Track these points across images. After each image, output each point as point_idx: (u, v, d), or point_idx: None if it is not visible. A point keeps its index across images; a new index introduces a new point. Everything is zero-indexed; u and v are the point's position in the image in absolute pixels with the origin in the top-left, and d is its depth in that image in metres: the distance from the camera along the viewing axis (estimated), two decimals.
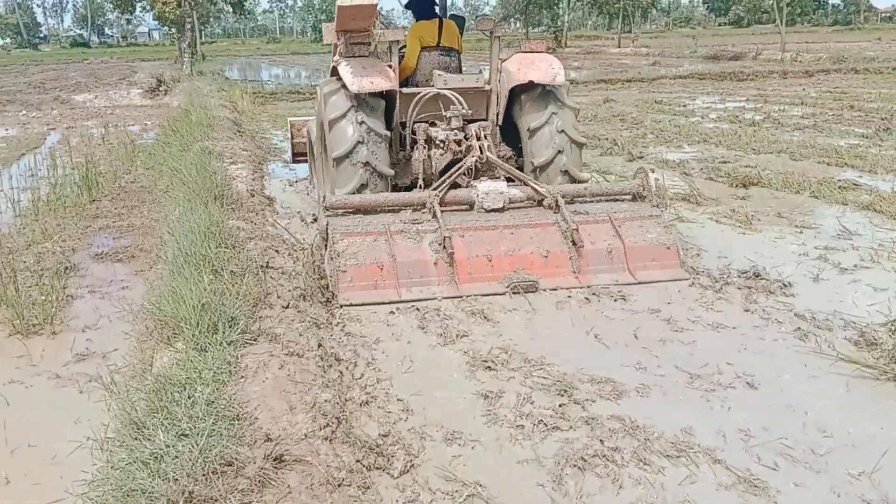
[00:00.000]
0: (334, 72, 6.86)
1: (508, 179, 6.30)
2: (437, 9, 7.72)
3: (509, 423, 3.76)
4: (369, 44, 6.88)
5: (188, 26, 29.77)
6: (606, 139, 12.25)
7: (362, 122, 6.36)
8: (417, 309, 5.24)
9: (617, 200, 6.37)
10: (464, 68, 7.66)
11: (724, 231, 7.07)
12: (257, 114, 18.40)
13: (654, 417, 3.78)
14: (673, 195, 8.26)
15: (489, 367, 4.35)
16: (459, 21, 7.76)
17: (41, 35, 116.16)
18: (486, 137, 6.45)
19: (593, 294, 5.49)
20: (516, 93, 6.89)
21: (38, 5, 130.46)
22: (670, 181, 8.90)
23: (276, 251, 6.13)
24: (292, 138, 9.79)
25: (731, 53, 39.16)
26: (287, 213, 8.08)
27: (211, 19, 73.09)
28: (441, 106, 6.72)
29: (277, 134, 14.72)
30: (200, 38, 48.06)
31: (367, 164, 6.34)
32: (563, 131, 6.70)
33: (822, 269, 5.94)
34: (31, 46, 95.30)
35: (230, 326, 4.26)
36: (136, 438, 3.19)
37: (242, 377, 3.75)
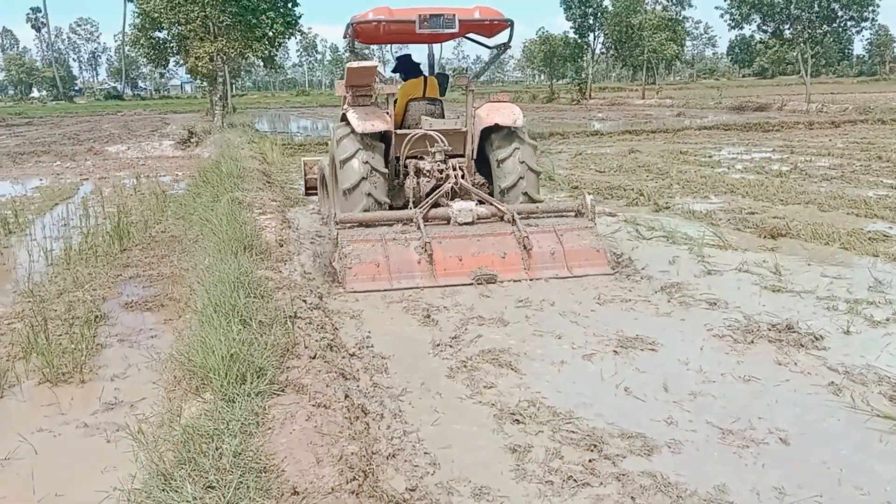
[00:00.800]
0: (344, 118, 8.64)
1: (480, 201, 8.06)
2: (422, 69, 9.64)
3: (538, 478, 3.69)
4: (371, 95, 8.65)
5: (220, 80, 30.35)
6: (632, 189, 12.24)
7: (366, 162, 8.10)
8: (445, 357, 5.23)
9: (562, 216, 8.09)
10: (446, 114, 9.28)
11: (753, 282, 6.99)
12: (286, 165, 18.64)
13: (686, 474, 3.70)
14: (701, 244, 8.21)
15: (517, 420, 4.29)
16: (443, 79, 9.65)
17: (76, 88, 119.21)
18: (460, 169, 8.20)
19: (622, 346, 5.43)
20: (486, 133, 8.69)
21: (73, 59, 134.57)
22: (697, 232, 8.85)
23: (304, 300, 6.15)
24: (305, 175, 11.35)
25: (756, 104, 39.23)
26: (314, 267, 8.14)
27: (242, 73, 74.65)
28: (427, 144, 8.37)
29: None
30: (231, 90, 48.98)
31: (369, 194, 8.07)
32: (524, 162, 8.51)
33: (853, 321, 5.84)
34: (66, 99, 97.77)
35: (258, 377, 4.25)
36: (163, 490, 3.17)
37: (269, 428, 3.73)
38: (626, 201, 11.48)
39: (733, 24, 42.05)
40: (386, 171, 8.34)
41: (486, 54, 9.54)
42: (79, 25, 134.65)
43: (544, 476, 3.71)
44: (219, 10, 26.80)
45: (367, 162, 8.11)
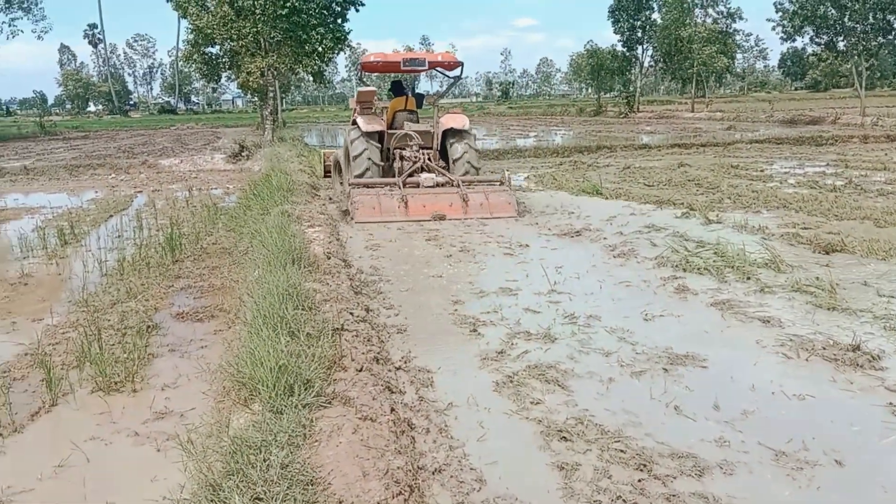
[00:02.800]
0: (354, 122, 13.24)
1: (439, 174, 12.63)
2: (406, 90, 14.73)
3: (586, 497, 3.63)
4: (372, 108, 13.44)
5: (270, 94, 30.79)
6: (682, 203, 12.08)
7: (369, 158, 12.64)
8: (489, 371, 5.19)
9: (491, 184, 12.58)
10: (420, 121, 14.29)
11: (807, 299, 6.82)
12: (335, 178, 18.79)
13: (738, 496, 3.61)
14: (752, 262, 8.05)
15: (564, 437, 4.24)
16: (419, 97, 14.82)
17: (131, 102, 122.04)
18: (428, 157, 13.08)
19: (671, 363, 5.34)
20: (446, 133, 13.33)
21: (129, 74, 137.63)
22: (749, 247, 8.68)
23: (351, 313, 6.17)
24: (324, 162, 16.12)
25: (809, 118, 38.47)
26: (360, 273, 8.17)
27: (292, 87, 75.64)
28: (407, 139, 13.24)
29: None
30: (281, 105, 49.64)
31: (368, 170, 12.66)
32: (469, 162, 13.03)
33: None
34: (121, 113, 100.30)
35: (305, 389, 4.26)
36: (211, 500, 3.19)
37: (317, 441, 3.74)
38: (674, 215, 11.33)
39: (785, 37, 41.32)
40: (382, 163, 13.01)
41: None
42: (135, 41, 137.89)
43: (592, 496, 3.65)
44: (270, 27, 27.23)
45: (369, 158, 12.69)
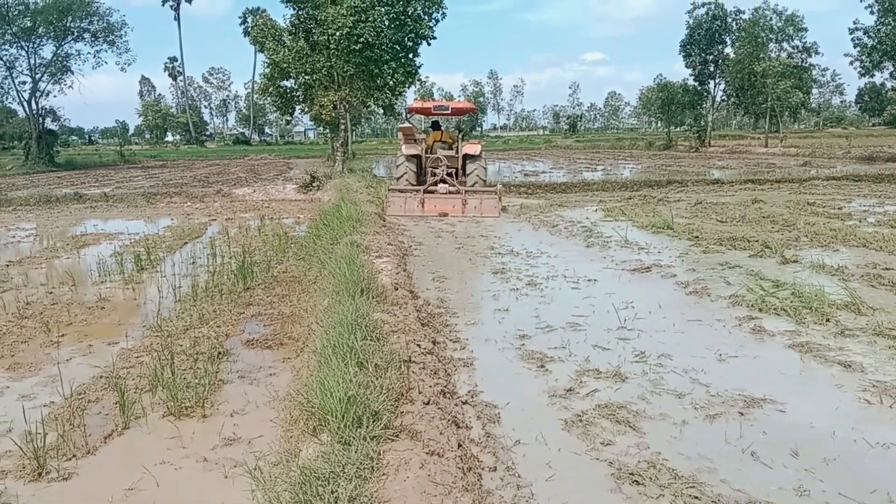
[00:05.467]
0: (400, 148, 19.54)
1: (451, 185, 17.81)
2: (441, 127, 21.08)
3: None
4: (414, 138, 19.71)
5: (341, 127, 31.30)
6: (756, 241, 11.78)
7: (405, 173, 18.92)
8: (557, 408, 5.10)
9: (486, 192, 17.50)
10: (453, 147, 19.57)
11: (890, 344, 6.53)
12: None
13: None
14: (832, 303, 7.76)
15: (636, 481, 4.11)
16: (458, 132, 20.83)
17: (207, 133, 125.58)
18: (447, 173, 18.39)
19: (747, 406, 5.16)
20: (465, 157, 18.91)
21: (205, 106, 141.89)
22: (828, 288, 8.39)
23: (418, 345, 6.15)
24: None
25: (888, 154, 37.29)
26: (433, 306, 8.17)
27: (362, 120, 76.87)
28: (438, 161, 18.56)
29: (420, 228, 15.11)
30: (351, 137, 50.42)
31: (407, 181, 18.69)
32: (478, 176, 18.56)
33: None
34: (198, 143, 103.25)
35: (373, 421, 4.25)
36: None
37: (384, 474, 3.70)
38: (749, 253, 11.06)
39: (863, 72, 40.33)
40: (416, 173, 18.97)
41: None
42: (211, 74, 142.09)
43: None
44: (343, 61, 27.75)
45: (407, 170, 18.94)
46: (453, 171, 18.76)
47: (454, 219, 16.74)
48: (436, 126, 21.02)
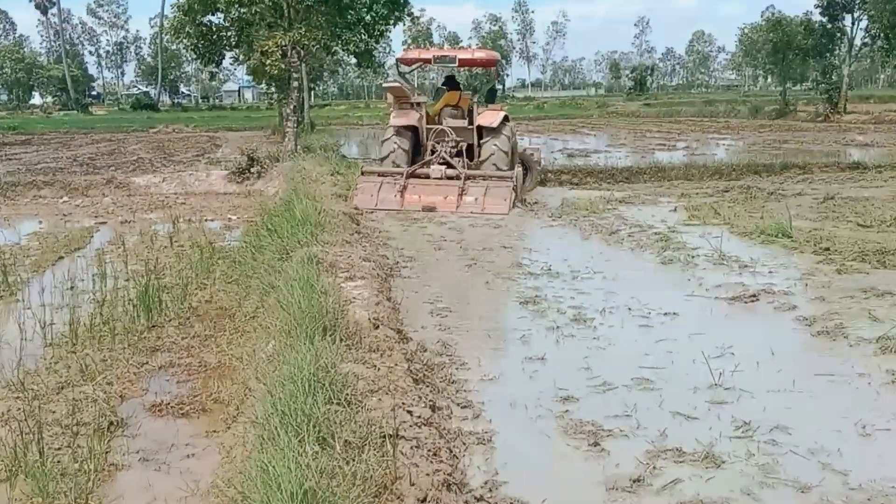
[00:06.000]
0: (388, 117, 21.08)
1: (451, 166, 18.70)
2: (459, 86, 21.54)
3: None
4: (408, 98, 19.77)
5: (294, 84, 31.21)
6: None
7: (393, 150, 19.54)
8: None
9: (498, 177, 18.21)
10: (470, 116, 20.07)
11: None
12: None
13: None
14: None
15: None
16: (491, 93, 21.66)
17: (94, 93, 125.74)
18: (448, 150, 19.05)
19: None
20: (481, 131, 19.38)
21: (91, 53, 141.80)
22: None
23: (409, 412, 6.14)
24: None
25: None
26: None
27: (325, 75, 77.03)
28: (444, 135, 19.33)
29: (412, 234, 15.12)
30: (310, 99, 50.52)
31: (393, 162, 19.53)
32: (496, 145, 18.97)
33: None
34: (79, 108, 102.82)
35: None
36: None
37: None
38: None
39: None
40: (408, 149, 19.50)
41: None
42: (99, 6, 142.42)
43: None
44: None
45: (395, 143, 19.51)
46: (464, 147, 19.44)
47: (452, 217, 17.09)
48: (451, 84, 21.44)
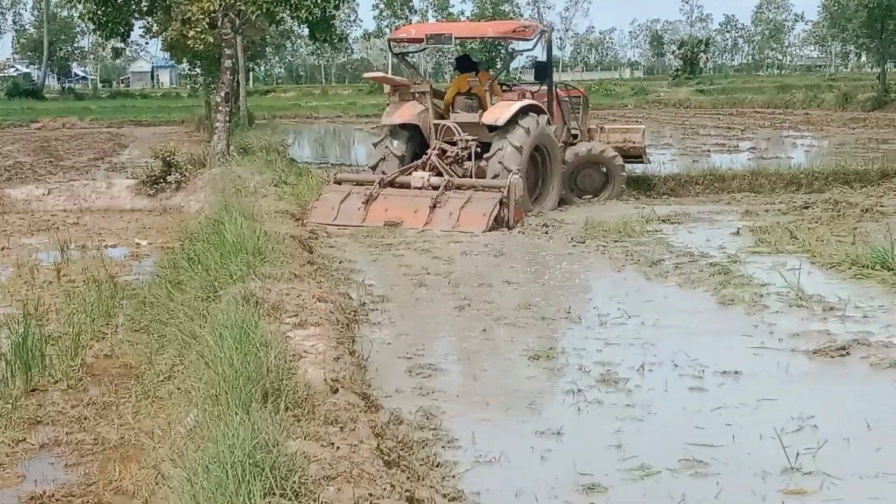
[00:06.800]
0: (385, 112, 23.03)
1: (439, 173, 19.93)
2: (477, 66, 22.82)
3: None
4: (408, 89, 21.21)
5: (227, 64, 31.18)
6: None
7: (387, 154, 21.01)
8: None
9: (488, 189, 19.21)
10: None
11: None
12: (349, 228, 18.99)
13: None
14: None
15: None
16: (539, 67, 23.02)
17: None
18: (465, 156, 20.41)
19: None
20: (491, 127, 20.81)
21: None
22: None
23: None
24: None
25: None
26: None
27: (268, 51, 76.98)
28: (451, 133, 20.63)
29: (384, 264, 15.11)
30: (248, 82, 50.61)
31: (381, 171, 21.05)
32: (500, 162, 19.68)
33: None
34: None
35: None
36: None
37: None
38: None
39: None
40: (405, 151, 20.61)
41: None
42: None
43: None
44: None
45: (386, 144, 20.74)
46: (477, 148, 20.38)
47: (444, 246, 17.13)
48: (464, 66, 22.57)
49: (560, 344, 10.66)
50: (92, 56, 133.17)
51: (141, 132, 50.16)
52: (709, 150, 35.56)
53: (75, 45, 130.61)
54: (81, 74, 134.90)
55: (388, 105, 20.73)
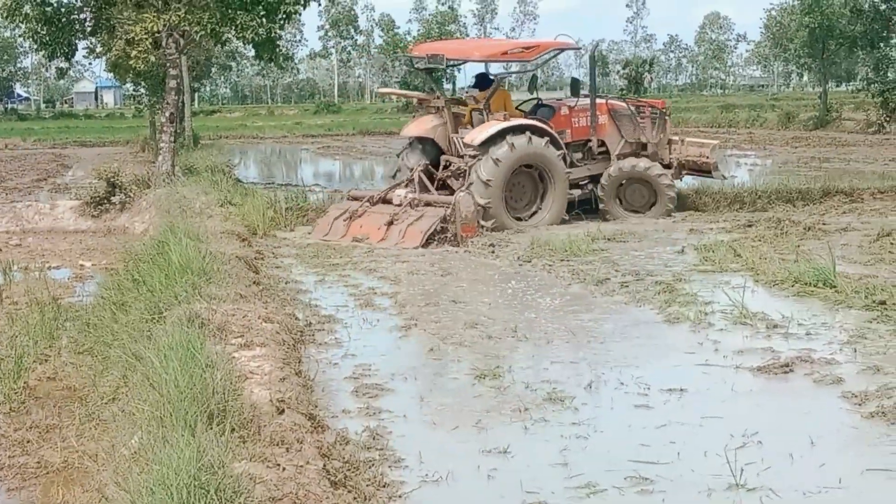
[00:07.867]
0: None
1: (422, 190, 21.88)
2: (496, 83, 23.60)
3: None
4: (431, 105, 23.05)
5: (171, 84, 31.11)
6: None
7: (401, 167, 22.83)
8: None
9: (443, 206, 20.41)
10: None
11: None
12: (295, 248, 18.94)
13: None
14: None
15: None
16: (574, 83, 23.98)
17: None
18: (424, 168, 22.03)
19: None
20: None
21: None
22: None
23: None
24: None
25: None
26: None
27: (213, 71, 76.86)
28: (456, 149, 22.35)
29: (331, 283, 15.09)
30: (193, 103, 50.49)
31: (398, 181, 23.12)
32: (477, 184, 20.85)
33: None
34: None
35: None
36: None
37: None
38: None
39: None
40: (419, 164, 21.60)
41: None
42: None
43: None
44: None
45: (405, 158, 22.36)
46: (419, 170, 21.98)
47: (390, 266, 17.68)
48: (482, 83, 23.74)
49: (506, 363, 10.67)
50: (35, 76, 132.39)
51: (85, 153, 49.91)
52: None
53: (18, 65, 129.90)
54: (24, 95, 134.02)
55: (413, 117, 22.55)
